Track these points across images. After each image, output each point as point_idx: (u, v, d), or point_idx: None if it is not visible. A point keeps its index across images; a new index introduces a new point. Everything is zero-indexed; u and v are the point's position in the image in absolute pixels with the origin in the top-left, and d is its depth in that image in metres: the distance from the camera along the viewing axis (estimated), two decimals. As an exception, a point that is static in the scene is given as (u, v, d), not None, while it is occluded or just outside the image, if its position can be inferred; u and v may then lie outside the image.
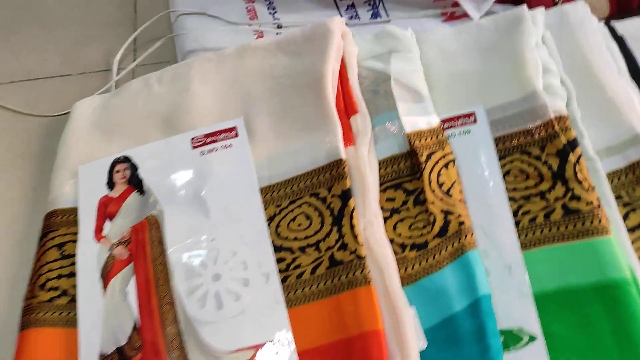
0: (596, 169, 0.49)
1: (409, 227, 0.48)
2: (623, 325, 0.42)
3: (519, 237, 0.47)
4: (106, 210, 0.52)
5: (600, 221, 0.45)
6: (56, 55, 0.69)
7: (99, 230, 0.51)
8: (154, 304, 0.46)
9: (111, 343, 0.46)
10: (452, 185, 0.49)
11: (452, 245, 0.46)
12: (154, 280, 0.47)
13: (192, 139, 0.53)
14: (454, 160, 0.50)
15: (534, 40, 0.55)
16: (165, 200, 0.51)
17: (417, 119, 0.52)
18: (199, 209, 0.50)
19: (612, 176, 0.50)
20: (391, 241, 0.48)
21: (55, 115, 0.64)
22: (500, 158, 0.51)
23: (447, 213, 0.47)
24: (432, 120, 0.52)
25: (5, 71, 0.69)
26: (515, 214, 0.48)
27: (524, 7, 0.57)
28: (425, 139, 0.51)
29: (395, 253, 0.47)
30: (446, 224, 0.47)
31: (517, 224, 0.47)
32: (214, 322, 0.44)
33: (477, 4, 0.62)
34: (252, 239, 0.48)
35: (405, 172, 0.51)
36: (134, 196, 0.52)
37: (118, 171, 0.53)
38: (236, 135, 0.53)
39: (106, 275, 0.48)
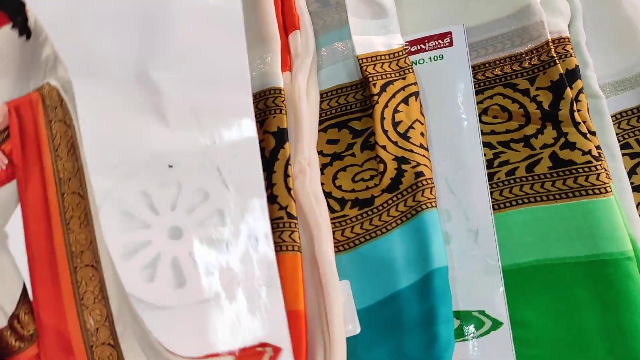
0: (599, 108, 0.38)
1: (353, 177, 0.38)
2: (616, 315, 0.32)
3: (492, 194, 0.36)
4: None
5: (598, 177, 0.34)
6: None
7: None
8: (61, 262, 0.28)
9: None
10: (411, 125, 0.38)
11: (405, 203, 0.36)
12: (60, 218, 0.28)
13: None
14: (417, 94, 0.39)
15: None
16: (78, 63, 0.29)
17: (374, 38, 0.41)
18: (152, 101, 0.30)
19: (619, 119, 0.39)
20: (328, 194, 0.37)
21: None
22: (478, 92, 0.39)
23: (401, 160, 0.37)
24: (393, 41, 0.41)
25: None
26: (490, 164, 0.37)
27: None
28: (382, 65, 0.40)
29: (332, 210, 0.37)
30: (399, 174, 0.36)
31: (491, 176, 0.37)
32: (169, 308, 0.28)
33: None
34: (239, 182, 0.30)
35: (355, 107, 0.40)
36: (6, 34, 0.29)
37: None
38: None
39: None
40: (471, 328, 0.34)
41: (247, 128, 0.31)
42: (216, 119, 0.30)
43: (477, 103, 0.39)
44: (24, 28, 0.29)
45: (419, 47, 0.42)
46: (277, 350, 0.29)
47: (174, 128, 0.30)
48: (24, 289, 0.27)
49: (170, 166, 0.29)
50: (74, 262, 0.28)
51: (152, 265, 0.28)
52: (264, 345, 0.29)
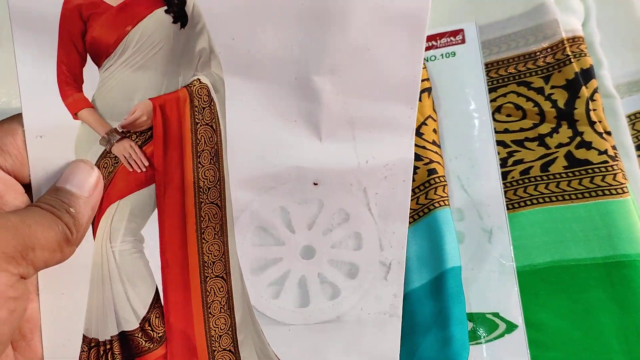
0: (614, 108, 0.37)
1: (364, 174, 0.37)
2: (633, 316, 0.31)
3: (506, 193, 0.35)
4: (87, 31, 0.25)
5: (615, 177, 0.34)
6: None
7: (68, 80, 0.25)
8: (193, 270, 0.27)
9: (107, 323, 0.27)
10: (424, 121, 0.37)
11: (417, 201, 0.35)
12: (195, 227, 0.27)
13: None
14: (429, 90, 0.38)
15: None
16: (235, 59, 0.26)
17: (386, 33, 0.40)
18: (308, 109, 0.27)
19: (633, 119, 0.38)
20: (338, 191, 0.36)
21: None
22: (492, 90, 0.39)
23: (414, 158, 0.36)
24: (405, 37, 0.40)
25: None
26: (503, 162, 0.36)
27: None
28: (394, 60, 0.39)
29: (343, 207, 0.36)
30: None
31: (505, 175, 0.36)
32: (290, 325, 0.28)
33: None
34: (385, 202, 0.28)
35: (365, 103, 0.39)
36: (159, 18, 0.26)
37: None
38: None
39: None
40: (485, 331, 0.33)
41: (405, 147, 0.28)
42: (373, 134, 0.27)
43: (491, 101, 0.38)
44: (180, 13, 0.25)
45: (430, 44, 0.41)
46: None
47: (326, 142, 0.27)
48: (156, 293, 0.27)
49: (316, 184, 0.28)
50: (205, 271, 0.27)
51: (280, 282, 0.28)
52: None
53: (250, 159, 0.27)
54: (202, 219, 0.27)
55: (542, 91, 0.37)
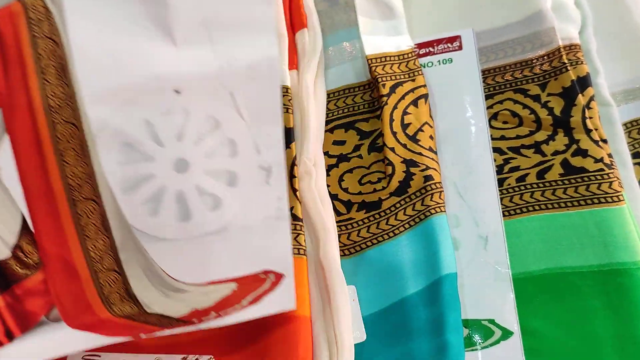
0: (610, 116, 0.37)
1: (359, 180, 0.37)
2: (629, 324, 0.31)
3: (502, 200, 0.35)
4: None
5: (611, 185, 0.34)
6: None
7: None
8: (59, 195, 0.26)
9: None
10: (420, 127, 0.37)
11: (413, 207, 0.35)
12: (53, 150, 0.25)
13: None
14: (426, 96, 0.38)
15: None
16: None
17: (383, 39, 0.40)
18: (156, 12, 0.26)
19: (629, 127, 0.39)
20: (334, 197, 0.36)
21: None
22: (488, 97, 0.39)
23: (410, 163, 0.36)
24: (402, 43, 0.40)
25: None
26: (500, 169, 0.36)
27: None
28: (392, 66, 0.39)
29: (338, 213, 0.36)
30: (408, 178, 0.35)
31: (501, 182, 0.36)
32: (173, 240, 0.27)
33: None
34: (254, 109, 0.27)
35: (362, 108, 0.39)
36: None
37: None
38: None
39: None
40: (480, 337, 0.33)
41: (267, 46, 0.26)
42: (232, 35, 0.26)
43: (487, 108, 0.38)
44: None
45: (427, 50, 0.41)
46: (279, 276, 0.28)
47: (182, 46, 0.25)
48: (24, 220, 0.25)
49: (177, 91, 0.26)
50: (72, 195, 0.25)
51: (155, 199, 0.26)
52: (266, 272, 0.28)
53: (102, 71, 0.25)
54: (59, 140, 0.25)
55: (538, 99, 0.37)
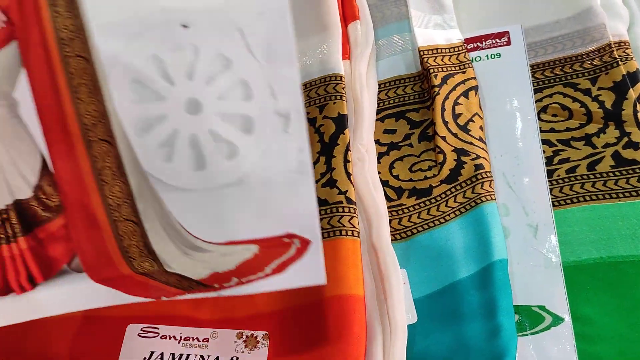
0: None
1: (410, 167, 0.37)
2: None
3: (552, 190, 0.36)
4: None
5: (663, 177, 0.34)
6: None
7: None
8: (75, 134, 0.25)
9: None
10: (471, 118, 0.38)
11: (464, 195, 0.35)
12: (67, 85, 0.24)
13: None
14: (476, 88, 0.39)
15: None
16: None
17: (434, 32, 0.41)
18: None
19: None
20: (385, 183, 0.37)
21: None
22: (537, 90, 0.39)
23: (460, 152, 0.36)
24: (452, 36, 0.41)
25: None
26: (549, 161, 0.37)
27: None
28: (443, 58, 0.40)
29: (389, 199, 0.37)
30: (458, 166, 0.36)
31: (550, 173, 0.36)
32: (190, 190, 0.25)
33: None
34: (267, 49, 0.25)
35: (412, 99, 0.40)
36: None
37: None
38: None
39: None
40: (531, 323, 0.33)
41: None
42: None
43: (536, 101, 0.39)
44: None
45: (475, 45, 0.42)
46: (305, 242, 0.26)
47: None
48: (44, 160, 0.25)
49: (184, 25, 0.24)
50: (88, 134, 0.25)
51: (169, 142, 0.25)
52: (291, 236, 0.26)
53: (109, 2, 0.24)
54: (71, 75, 0.24)
55: (589, 92, 0.38)
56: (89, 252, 0.26)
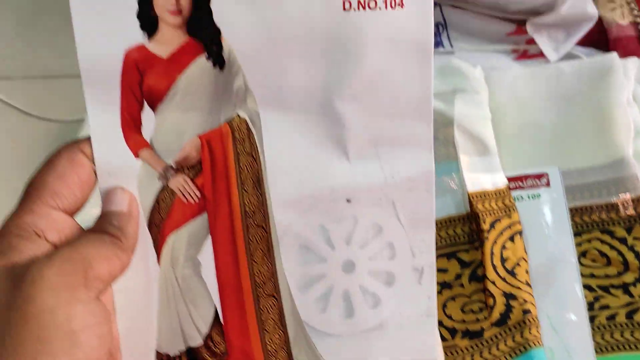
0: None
1: (462, 307, 0.40)
2: None
3: (594, 337, 0.39)
4: (143, 81, 0.28)
5: (697, 331, 0.37)
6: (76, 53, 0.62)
7: (129, 124, 0.28)
8: (246, 291, 0.30)
9: (175, 340, 0.30)
10: (517, 262, 0.41)
11: (513, 338, 0.38)
12: (245, 250, 0.30)
13: None
14: (520, 232, 0.42)
15: (625, 95, 0.47)
16: (268, 94, 0.29)
17: (482, 176, 0.44)
18: (335, 133, 0.30)
19: None
20: (439, 323, 0.40)
21: (68, 122, 0.57)
22: (577, 234, 0.43)
23: (509, 297, 0.40)
24: (498, 180, 0.45)
25: (19, 64, 0.62)
26: (590, 306, 0.40)
27: (615, 55, 0.49)
28: (490, 202, 0.43)
29: (443, 338, 0.39)
30: (508, 310, 0.39)
31: (592, 319, 0.39)
32: (338, 336, 0.31)
33: (556, 44, 0.53)
34: (412, 217, 0.31)
35: (462, 239, 0.43)
36: (201, 64, 0.29)
37: None
38: None
39: (159, 226, 0.29)
40: None
41: (425, 160, 0.30)
42: (395, 151, 0.30)
43: (576, 245, 0.42)
44: (218, 58, 0.28)
45: (516, 185, 0.45)
46: None
47: (354, 161, 0.29)
48: (216, 312, 0.30)
49: (349, 200, 0.30)
50: (257, 291, 0.30)
51: (325, 297, 0.30)
52: None
53: (288, 182, 0.29)
54: (250, 242, 0.30)
55: (625, 241, 0.41)
56: None
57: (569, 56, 0.54)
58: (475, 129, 0.46)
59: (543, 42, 0.54)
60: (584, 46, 0.55)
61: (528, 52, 0.56)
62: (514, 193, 0.45)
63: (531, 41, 0.55)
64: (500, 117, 0.49)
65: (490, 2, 0.53)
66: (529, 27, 0.54)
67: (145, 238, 0.29)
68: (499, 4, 0.53)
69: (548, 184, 0.45)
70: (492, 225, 0.42)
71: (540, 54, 0.55)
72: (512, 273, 0.41)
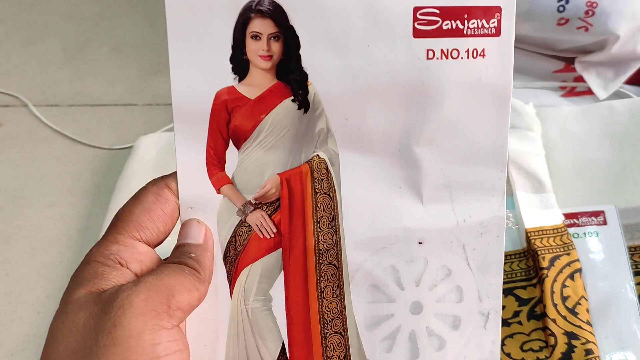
0: None
1: (521, 346, 0.39)
2: None
3: (658, 379, 0.38)
4: (230, 121, 0.29)
5: None
6: (123, 82, 0.64)
7: (214, 161, 0.29)
8: (314, 327, 0.31)
9: None
10: (578, 301, 0.40)
11: (577, 380, 0.37)
12: (316, 287, 0.31)
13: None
14: (580, 270, 0.42)
15: (679, 134, 0.47)
16: (348, 136, 0.30)
17: (539, 213, 0.44)
18: (410, 177, 0.30)
19: None
20: (499, 362, 0.39)
21: (114, 149, 0.57)
22: (636, 273, 0.42)
23: (571, 336, 0.39)
24: (555, 217, 0.44)
25: (67, 92, 0.63)
26: (653, 349, 0.39)
27: (667, 93, 0.49)
28: (548, 239, 0.43)
29: (504, 378, 0.38)
30: (570, 350, 0.38)
31: (656, 362, 0.38)
32: None
33: (605, 82, 0.54)
34: (481, 261, 0.31)
35: (519, 275, 0.42)
36: (287, 106, 0.30)
37: (257, 36, 0.28)
38: None
39: (234, 259, 0.30)
40: None
41: (497, 206, 0.30)
42: (468, 195, 0.30)
43: (636, 284, 0.41)
44: (303, 101, 0.29)
45: (572, 222, 0.45)
46: None
47: (428, 204, 0.30)
48: (283, 346, 0.30)
49: (420, 242, 0.30)
50: (325, 328, 0.30)
51: (392, 336, 0.30)
52: None
53: (362, 222, 0.30)
54: (321, 279, 0.30)
55: (688, 282, 0.40)
56: None
57: (616, 94, 0.54)
58: (530, 166, 0.46)
59: (592, 80, 0.54)
60: (632, 85, 0.55)
61: (575, 90, 0.56)
62: (571, 230, 0.44)
63: (579, 79, 0.55)
64: (552, 154, 0.48)
65: (539, 40, 0.53)
66: (577, 65, 0.54)
67: (216, 271, 0.29)
68: (548, 42, 0.53)
69: (605, 222, 0.44)
70: (552, 263, 0.41)
71: (588, 91, 0.55)
72: (573, 312, 0.40)
